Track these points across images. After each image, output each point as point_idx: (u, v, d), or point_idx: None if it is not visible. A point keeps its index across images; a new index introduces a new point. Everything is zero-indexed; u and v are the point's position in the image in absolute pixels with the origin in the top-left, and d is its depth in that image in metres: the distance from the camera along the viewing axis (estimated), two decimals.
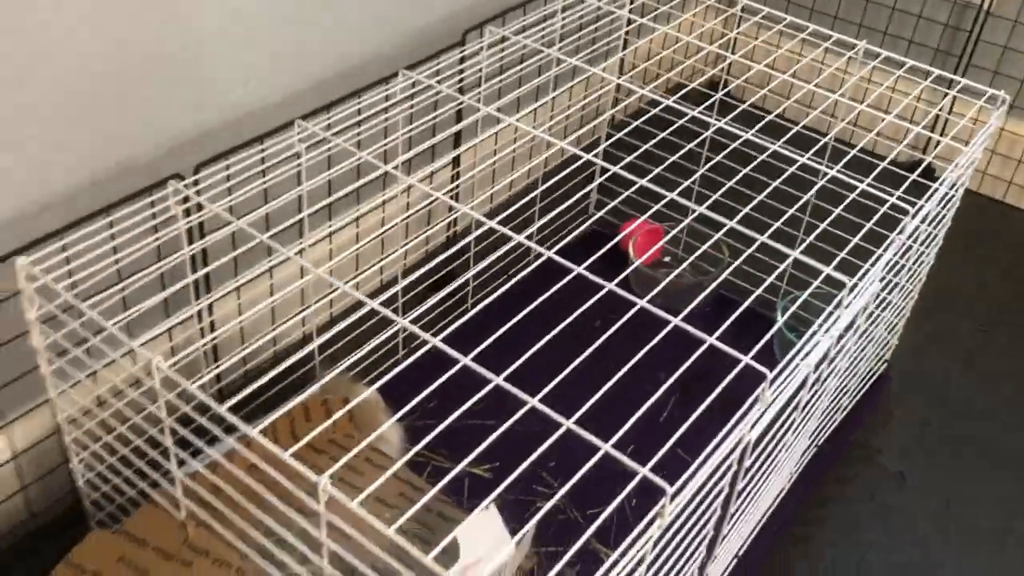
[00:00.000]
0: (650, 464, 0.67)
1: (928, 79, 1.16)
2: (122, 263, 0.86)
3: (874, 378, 1.33)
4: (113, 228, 0.89)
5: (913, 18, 1.70)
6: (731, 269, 1.02)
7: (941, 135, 1.32)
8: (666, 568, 0.78)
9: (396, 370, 0.78)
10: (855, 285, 0.87)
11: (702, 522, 0.80)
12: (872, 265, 0.89)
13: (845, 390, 1.19)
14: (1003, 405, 1.38)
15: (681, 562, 0.82)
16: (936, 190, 0.99)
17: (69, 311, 0.84)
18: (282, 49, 1.08)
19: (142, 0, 0.91)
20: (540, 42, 1.18)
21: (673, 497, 0.67)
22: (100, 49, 0.90)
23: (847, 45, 1.23)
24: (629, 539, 0.65)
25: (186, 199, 0.89)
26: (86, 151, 0.94)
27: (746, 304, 0.85)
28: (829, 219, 0.94)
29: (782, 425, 0.89)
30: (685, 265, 1.01)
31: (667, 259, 1.47)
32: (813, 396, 0.96)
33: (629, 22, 1.39)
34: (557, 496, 0.67)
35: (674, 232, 1.44)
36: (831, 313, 0.85)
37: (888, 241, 0.91)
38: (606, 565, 0.63)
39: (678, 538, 0.76)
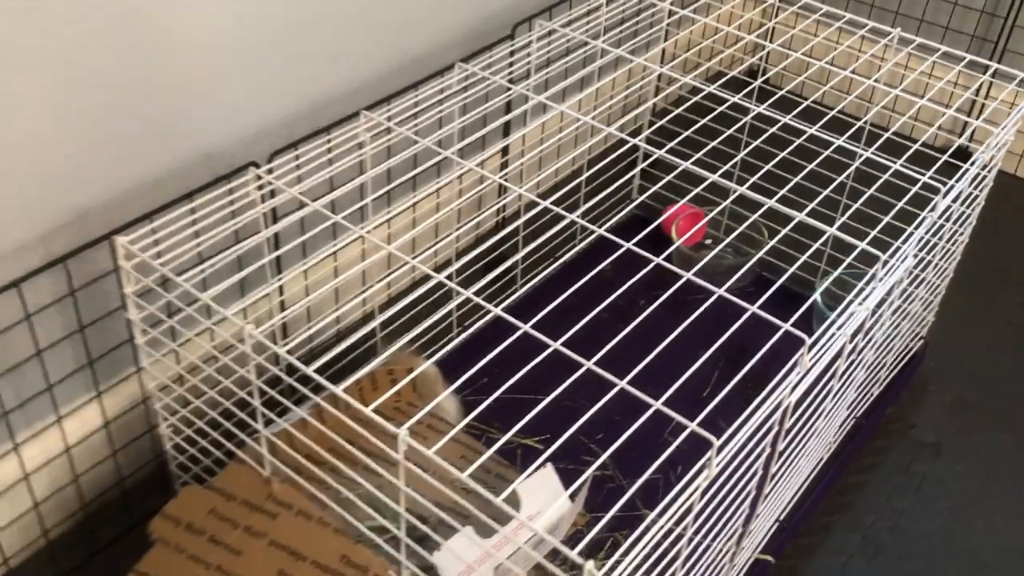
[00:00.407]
0: (698, 420, 0.73)
1: (961, 64, 1.21)
2: (204, 244, 0.94)
3: (910, 354, 1.38)
4: (195, 213, 0.97)
5: (949, 5, 1.74)
6: (770, 246, 1.08)
7: (976, 119, 1.36)
8: (712, 520, 0.84)
9: (454, 342, 0.85)
10: (888, 259, 0.92)
11: (745, 479, 0.86)
12: (905, 241, 0.94)
13: (882, 365, 1.24)
14: None
15: (726, 517, 0.88)
16: (967, 170, 1.04)
17: (157, 288, 0.92)
18: (347, 44, 1.15)
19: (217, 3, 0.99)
20: (586, 34, 1.24)
21: (719, 450, 0.73)
22: (185, 48, 0.98)
23: (882, 33, 1.28)
24: (678, 487, 0.72)
25: (261, 186, 0.96)
26: (168, 142, 1.01)
27: (785, 277, 0.91)
28: (863, 197, 0.99)
29: (820, 391, 0.94)
30: (727, 242, 1.07)
31: (708, 241, 1.53)
32: (850, 366, 1.01)
33: (670, 14, 1.45)
34: (606, 455, 0.73)
35: (714, 213, 1.49)
36: (867, 285, 0.91)
37: (920, 218, 0.96)
38: (656, 511, 0.69)
39: (723, 492, 0.82)
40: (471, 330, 1.11)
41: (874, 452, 1.30)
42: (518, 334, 0.79)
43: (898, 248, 0.94)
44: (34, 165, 0.90)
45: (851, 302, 0.90)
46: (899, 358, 1.33)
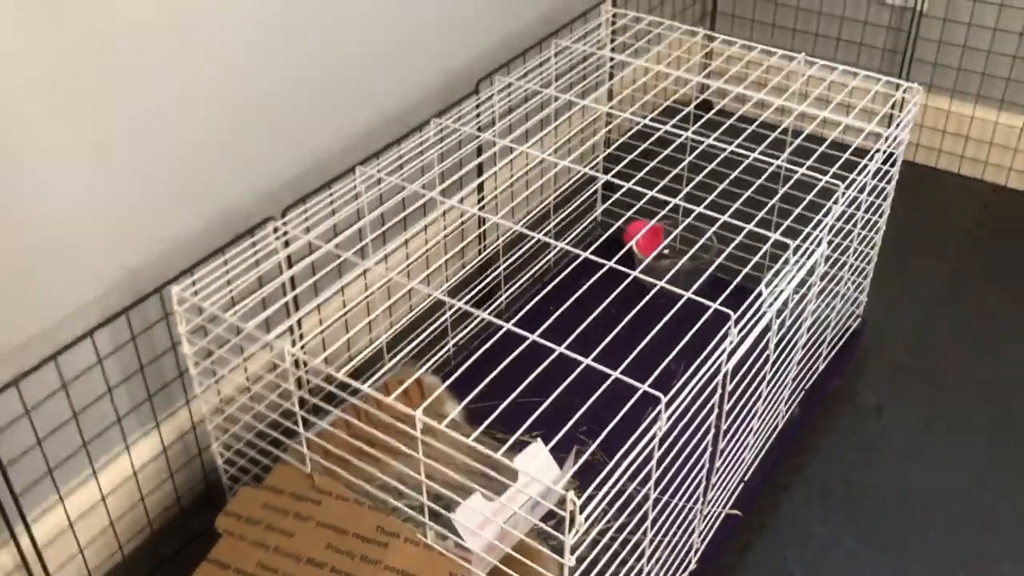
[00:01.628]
0: (648, 382, 0.93)
1: (856, 79, 1.42)
2: (235, 289, 1.13)
3: (849, 331, 1.57)
4: (227, 264, 1.16)
5: (860, 24, 1.96)
6: (698, 247, 1.27)
7: (889, 124, 1.57)
8: (675, 468, 1.03)
9: (466, 364, 1.02)
10: (800, 246, 1.12)
11: (699, 434, 1.05)
12: (813, 229, 1.14)
13: (821, 341, 1.44)
14: (966, 348, 1.62)
15: (688, 466, 1.06)
16: (865, 166, 1.25)
17: (208, 325, 1.11)
18: (338, 110, 1.35)
19: (229, 84, 1.19)
20: (539, 84, 1.45)
21: (668, 405, 0.92)
22: (203, 126, 1.18)
23: (791, 57, 1.49)
24: (634, 436, 0.91)
25: (278, 234, 1.16)
26: (194, 206, 1.21)
27: (712, 269, 1.11)
28: (776, 197, 1.19)
29: (758, 360, 1.14)
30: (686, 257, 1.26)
31: (666, 252, 1.73)
32: (783, 339, 1.21)
33: (612, 61, 1.67)
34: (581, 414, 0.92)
35: (675, 233, 1.69)
36: (783, 267, 1.10)
37: (824, 209, 1.16)
38: (622, 451, 0.88)
39: (681, 443, 1.01)
40: (472, 359, 1.30)
41: (825, 418, 1.49)
42: (526, 344, 0.98)
43: (808, 236, 1.14)
44: (92, 239, 1.10)
45: (776, 284, 1.10)
46: (838, 335, 1.53)
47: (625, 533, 1.05)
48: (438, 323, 1.45)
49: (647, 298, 1.04)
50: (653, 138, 1.35)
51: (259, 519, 1.06)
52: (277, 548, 1.03)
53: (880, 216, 1.45)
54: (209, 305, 1.05)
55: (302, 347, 1.31)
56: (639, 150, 1.35)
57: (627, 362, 0.95)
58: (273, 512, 1.06)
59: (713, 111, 1.40)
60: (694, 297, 1.02)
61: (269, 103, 1.26)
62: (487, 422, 0.92)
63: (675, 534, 1.13)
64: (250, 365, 1.30)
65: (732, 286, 1.07)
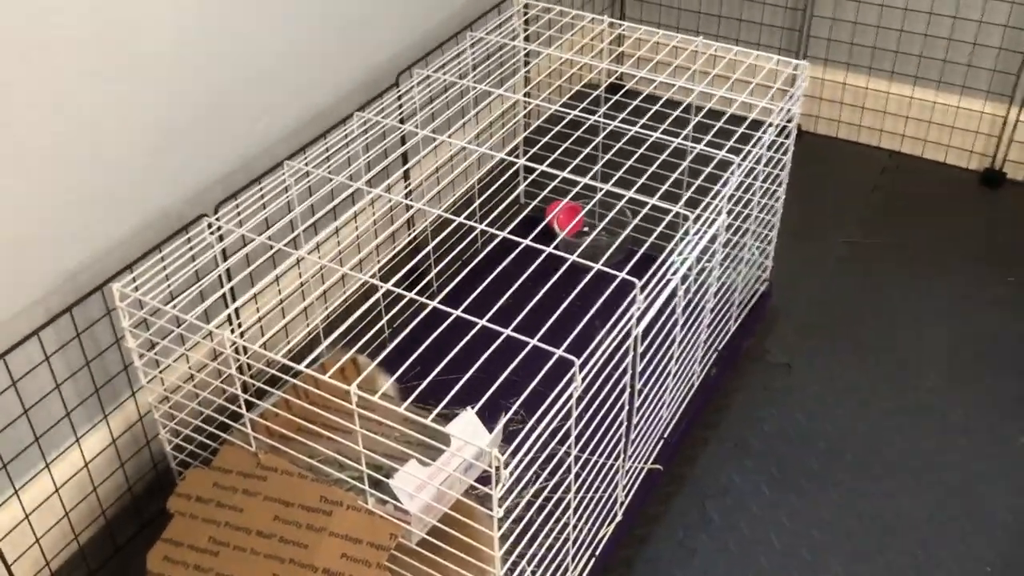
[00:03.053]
0: (563, 347, 1.01)
1: (751, 59, 1.52)
2: (174, 283, 1.19)
3: (757, 295, 1.69)
4: (165, 260, 1.22)
5: (759, 5, 2.07)
6: (602, 227, 1.36)
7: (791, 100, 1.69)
8: (594, 425, 1.12)
9: (395, 341, 1.10)
10: (700, 216, 1.22)
11: (616, 395, 1.15)
12: (712, 199, 1.24)
13: (730, 303, 1.54)
14: (867, 306, 1.74)
15: (606, 424, 1.16)
16: (759, 139, 1.35)
17: (150, 318, 1.17)
18: (265, 108, 1.41)
19: (163, 94, 1.25)
20: (456, 75, 1.52)
21: (582, 367, 1.01)
22: (137, 129, 1.24)
23: (690, 41, 1.59)
24: (552, 395, 1.00)
25: (212, 228, 1.22)
26: (131, 207, 1.27)
27: (618, 241, 1.20)
28: (679, 170, 1.28)
29: (667, 323, 1.23)
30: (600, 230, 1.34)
31: (586, 229, 1.82)
32: (691, 303, 1.31)
33: (525, 49, 1.75)
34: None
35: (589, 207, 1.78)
36: (684, 237, 1.20)
37: (722, 180, 1.26)
38: (541, 409, 0.97)
39: (598, 403, 1.10)
40: (405, 332, 1.38)
41: (738, 375, 1.60)
42: (451, 319, 1.06)
43: (708, 207, 1.24)
44: (32, 245, 1.15)
45: (679, 253, 1.20)
46: (747, 298, 1.63)
47: (550, 490, 1.14)
48: (372, 307, 1.52)
49: (560, 272, 1.13)
50: (565, 120, 1.44)
51: (209, 498, 1.12)
52: (227, 523, 1.10)
53: (779, 185, 1.55)
54: (150, 299, 1.11)
55: (241, 334, 1.38)
56: (552, 133, 1.43)
57: (543, 330, 1.04)
58: (222, 490, 1.12)
59: (620, 93, 1.50)
60: (604, 268, 1.11)
61: (196, 105, 1.31)
62: (415, 393, 1.00)
63: (599, 488, 1.22)
64: (192, 355, 1.36)
65: (638, 256, 1.16)
